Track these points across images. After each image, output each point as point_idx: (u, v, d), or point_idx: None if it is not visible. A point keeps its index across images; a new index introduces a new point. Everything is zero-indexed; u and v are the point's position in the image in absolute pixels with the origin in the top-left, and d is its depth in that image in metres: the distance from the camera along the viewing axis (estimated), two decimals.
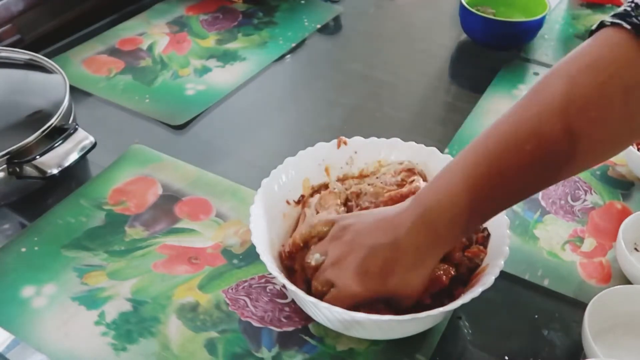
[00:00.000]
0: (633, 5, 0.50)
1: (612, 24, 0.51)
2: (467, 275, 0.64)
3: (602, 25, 0.52)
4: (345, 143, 0.74)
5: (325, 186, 0.73)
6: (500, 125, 0.55)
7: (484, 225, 0.66)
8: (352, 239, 0.61)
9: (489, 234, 0.66)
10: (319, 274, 0.62)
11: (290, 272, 0.66)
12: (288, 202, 0.71)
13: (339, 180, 0.74)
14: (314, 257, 0.63)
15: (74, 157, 0.76)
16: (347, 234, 0.61)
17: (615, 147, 0.55)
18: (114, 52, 1.06)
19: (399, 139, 0.75)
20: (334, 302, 0.58)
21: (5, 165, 0.74)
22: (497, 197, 0.56)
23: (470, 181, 0.55)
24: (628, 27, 0.49)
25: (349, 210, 0.69)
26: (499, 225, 0.65)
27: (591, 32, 0.53)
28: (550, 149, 0.52)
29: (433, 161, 0.72)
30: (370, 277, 0.59)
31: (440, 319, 0.64)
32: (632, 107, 0.50)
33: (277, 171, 0.71)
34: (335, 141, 0.74)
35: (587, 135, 0.51)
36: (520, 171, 0.54)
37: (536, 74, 1.04)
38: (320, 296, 0.61)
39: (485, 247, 0.65)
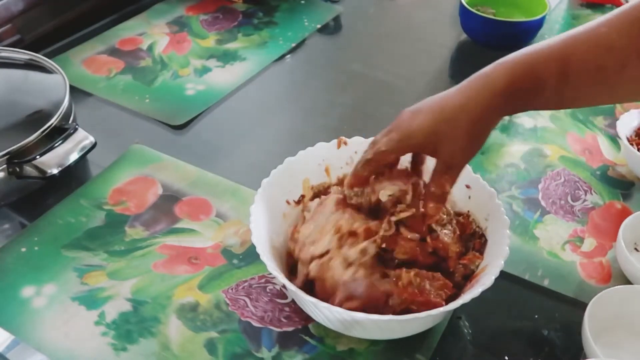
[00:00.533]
0: None
1: None
2: (462, 282, 0.63)
3: None
4: (345, 143, 0.74)
5: (325, 188, 0.73)
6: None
7: (482, 232, 0.66)
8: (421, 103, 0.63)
9: (486, 241, 0.66)
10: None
11: (290, 271, 0.66)
12: (288, 202, 0.71)
13: (339, 180, 0.74)
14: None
15: (74, 157, 0.76)
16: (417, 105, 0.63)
17: None
18: (114, 52, 1.06)
19: None
20: (375, 139, 0.61)
21: (5, 165, 0.74)
22: (555, 83, 0.58)
23: (535, 55, 0.59)
24: None
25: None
26: (499, 225, 0.65)
27: None
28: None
29: (432, 160, 0.72)
30: (420, 110, 0.60)
31: (440, 319, 0.64)
32: None
33: (277, 171, 0.71)
34: (335, 141, 0.74)
35: None
36: (585, 62, 0.56)
37: None
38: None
39: (482, 253, 0.65)
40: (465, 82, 0.60)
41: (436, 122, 0.59)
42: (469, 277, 0.63)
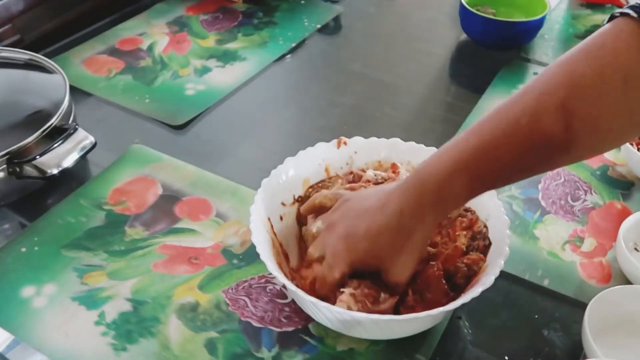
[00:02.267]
0: None
1: (621, 14, 0.51)
2: (464, 283, 0.63)
3: (612, 17, 0.52)
4: (345, 143, 0.74)
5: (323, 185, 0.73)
6: (499, 106, 0.56)
7: (488, 234, 0.66)
8: (347, 208, 0.62)
9: (490, 243, 0.65)
10: (315, 240, 0.64)
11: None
12: (284, 204, 0.71)
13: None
14: (315, 225, 0.64)
15: (74, 157, 0.76)
16: (345, 204, 0.63)
17: (611, 136, 0.54)
18: (114, 52, 1.06)
19: (399, 139, 0.75)
20: (322, 273, 0.60)
21: (5, 165, 0.74)
22: (487, 171, 0.56)
23: (460, 152, 0.55)
24: (635, 15, 0.49)
25: None
26: (499, 225, 0.65)
27: (609, 19, 0.53)
28: (544, 125, 0.52)
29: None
30: (356, 239, 0.59)
31: (440, 319, 0.64)
32: (631, 95, 0.50)
33: (277, 171, 0.71)
34: (335, 141, 0.74)
35: (582, 116, 0.51)
36: (512, 146, 0.54)
37: (536, 74, 1.04)
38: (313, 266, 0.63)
39: (485, 255, 0.64)
40: (393, 201, 0.58)
41: (377, 249, 0.59)
42: (470, 278, 0.63)
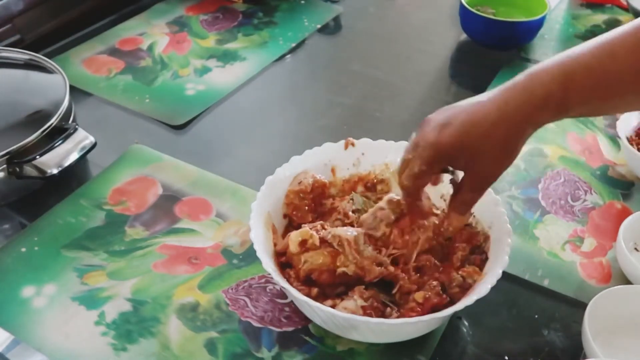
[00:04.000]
0: None
1: None
2: (459, 294, 0.62)
3: None
4: (353, 144, 0.74)
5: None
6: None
7: (486, 249, 0.66)
8: (447, 107, 0.60)
9: (487, 258, 0.65)
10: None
11: (282, 265, 0.66)
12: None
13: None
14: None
15: (74, 157, 0.76)
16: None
17: None
18: (114, 52, 1.06)
19: (406, 142, 0.74)
20: (409, 157, 0.59)
21: (5, 165, 0.74)
22: (606, 83, 0.55)
23: (581, 58, 0.54)
24: None
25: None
26: (500, 233, 0.64)
27: None
28: None
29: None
30: (452, 126, 0.56)
31: (435, 325, 0.63)
32: None
33: (282, 169, 0.71)
34: (342, 142, 0.74)
35: None
36: (631, 56, 0.53)
37: None
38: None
39: (481, 269, 0.64)
40: (498, 94, 0.56)
41: (469, 137, 0.56)
42: (466, 290, 0.63)
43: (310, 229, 0.63)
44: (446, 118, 0.57)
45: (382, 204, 0.65)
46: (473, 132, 0.56)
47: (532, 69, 0.56)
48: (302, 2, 1.21)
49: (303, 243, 0.63)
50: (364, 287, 0.62)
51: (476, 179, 0.59)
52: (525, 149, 0.87)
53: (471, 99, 0.58)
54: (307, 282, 0.63)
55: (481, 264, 0.65)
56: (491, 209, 0.67)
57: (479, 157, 0.56)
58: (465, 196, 0.60)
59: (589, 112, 0.59)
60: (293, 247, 0.63)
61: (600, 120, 0.94)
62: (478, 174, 0.58)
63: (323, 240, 0.63)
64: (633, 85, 0.55)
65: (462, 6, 1.07)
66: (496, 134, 0.55)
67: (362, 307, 0.60)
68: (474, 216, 0.68)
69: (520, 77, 0.56)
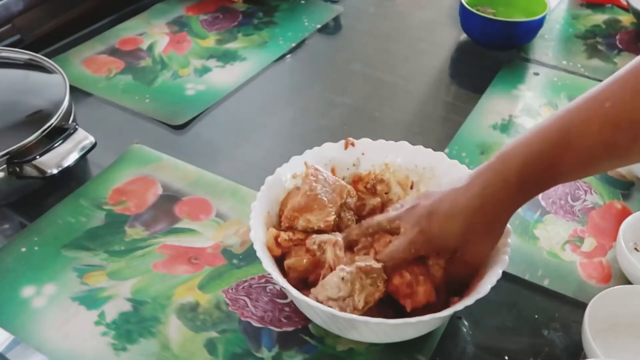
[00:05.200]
0: None
1: None
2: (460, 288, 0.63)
3: None
4: (352, 144, 0.74)
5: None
6: (570, 106, 0.57)
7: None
8: (430, 192, 0.63)
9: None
10: (389, 214, 0.64)
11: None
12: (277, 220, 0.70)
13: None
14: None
15: (74, 157, 0.76)
16: (426, 193, 0.63)
17: None
18: (114, 52, 1.06)
19: (406, 142, 0.74)
20: (398, 242, 0.60)
21: (5, 165, 0.74)
22: (572, 154, 0.56)
23: (545, 134, 0.56)
24: None
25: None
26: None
27: None
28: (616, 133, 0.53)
29: (440, 166, 0.72)
30: (438, 216, 0.59)
31: (435, 325, 0.63)
32: None
33: (282, 169, 0.71)
34: (342, 142, 0.74)
35: None
36: (600, 129, 0.54)
37: (536, 74, 1.04)
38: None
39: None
40: (475, 180, 0.59)
41: (458, 227, 0.59)
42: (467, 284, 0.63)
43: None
44: (430, 208, 0.60)
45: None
46: (459, 220, 0.59)
47: (502, 151, 0.58)
48: (302, 2, 1.21)
49: (277, 241, 0.65)
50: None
51: (464, 263, 0.61)
52: None
53: (449, 185, 0.61)
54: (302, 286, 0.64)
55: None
56: None
57: (467, 243, 0.60)
58: (455, 274, 0.62)
59: (570, 179, 0.61)
60: (270, 244, 0.65)
61: None
62: (465, 259, 0.61)
63: (307, 249, 0.64)
64: (602, 154, 0.56)
65: (462, 6, 1.07)
66: (481, 220, 0.59)
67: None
68: None
69: (493, 160, 0.59)
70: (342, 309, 0.58)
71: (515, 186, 0.57)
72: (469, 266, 0.62)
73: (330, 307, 0.58)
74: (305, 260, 0.64)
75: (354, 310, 0.59)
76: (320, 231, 0.66)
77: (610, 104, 0.53)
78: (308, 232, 0.65)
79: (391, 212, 0.65)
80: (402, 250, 0.61)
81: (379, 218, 0.64)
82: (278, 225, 0.69)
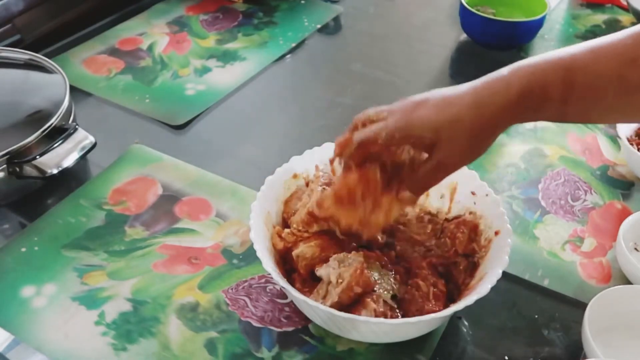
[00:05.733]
0: None
1: None
2: (464, 275, 0.64)
3: None
4: None
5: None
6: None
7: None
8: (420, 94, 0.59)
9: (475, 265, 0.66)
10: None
11: (288, 271, 0.66)
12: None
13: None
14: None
15: (74, 157, 0.76)
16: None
17: None
18: (114, 52, 1.06)
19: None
20: (375, 125, 0.58)
21: (5, 165, 0.74)
22: (583, 84, 0.54)
23: (563, 56, 0.55)
24: None
25: None
26: (501, 234, 0.64)
27: None
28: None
29: None
30: (426, 105, 0.56)
31: (436, 325, 0.63)
32: None
33: (282, 169, 0.71)
34: None
35: None
36: (616, 60, 0.53)
37: None
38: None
39: (477, 267, 0.65)
40: (478, 83, 0.56)
41: (440, 118, 0.55)
42: (474, 268, 0.64)
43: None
44: (421, 99, 0.57)
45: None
46: (445, 112, 0.55)
47: (515, 63, 0.56)
48: (302, 2, 1.21)
49: (280, 236, 0.66)
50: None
51: (437, 163, 0.57)
52: (526, 148, 0.88)
53: (454, 86, 0.58)
54: (311, 280, 0.64)
55: (477, 262, 0.65)
56: (491, 209, 0.67)
57: (446, 141, 0.56)
58: (422, 177, 0.58)
59: (569, 114, 0.57)
60: (274, 240, 0.66)
61: None
62: (442, 158, 0.57)
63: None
64: (613, 89, 0.55)
65: (462, 6, 1.07)
66: (466, 121, 0.55)
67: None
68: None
69: (502, 69, 0.56)
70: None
71: (514, 96, 0.54)
72: (439, 169, 0.58)
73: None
74: (314, 247, 0.64)
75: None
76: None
77: (632, 41, 0.53)
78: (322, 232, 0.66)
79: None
80: (375, 130, 0.57)
81: (369, 110, 0.60)
82: (281, 225, 0.69)
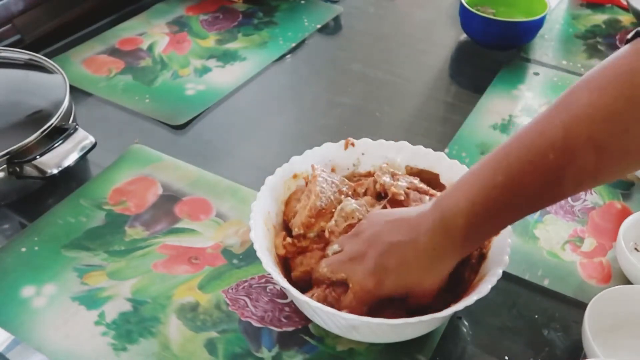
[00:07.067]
0: None
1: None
2: (469, 271, 0.64)
3: (637, 34, 0.50)
4: (352, 144, 0.74)
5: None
6: (524, 134, 0.54)
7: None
8: (371, 236, 0.61)
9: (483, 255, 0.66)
10: (333, 261, 0.62)
11: (288, 271, 0.66)
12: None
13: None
14: (332, 249, 0.63)
15: (74, 157, 0.76)
16: (367, 231, 0.61)
17: (638, 161, 0.53)
18: (114, 52, 1.06)
19: (406, 142, 0.74)
20: (349, 302, 0.59)
21: (5, 165, 0.74)
22: (515, 206, 0.55)
23: (488, 190, 0.54)
24: None
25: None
26: (501, 234, 0.64)
27: (627, 41, 0.51)
28: (574, 159, 0.51)
29: (440, 165, 0.72)
30: (386, 273, 0.59)
31: (436, 325, 0.63)
32: None
33: (282, 169, 0.71)
34: (342, 142, 0.74)
35: (611, 147, 0.50)
36: (540, 181, 0.53)
37: (536, 74, 1.04)
38: (321, 283, 0.62)
39: (479, 266, 0.65)
40: (423, 236, 0.58)
41: (405, 287, 0.59)
42: (483, 258, 0.64)
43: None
44: (377, 262, 0.59)
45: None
46: (407, 281, 0.59)
47: (444, 199, 0.58)
48: (302, 2, 1.21)
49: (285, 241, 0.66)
50: None
51: (414, 303, 0.61)
52: None
53: (395, 224, 0.60)
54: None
55: (478, 260, 0.65)
56: None
57: (414, 294, 0.60)
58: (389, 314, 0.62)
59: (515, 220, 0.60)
60: (277, 243, 0.66)
61: None
62: (415, 302, 0.61)
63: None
64: (525, 206, 0.56)
65: (462, 6, 1.07)
66: (430, 277, 0.59)
67: None
68: None
69: (437, 214, 0.58)
70: None
71: (460, 241, 0.57)
72: (424, 299, 0.61)
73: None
74: (313, 261, 0.64)
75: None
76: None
77: (552, 157, 0.52)
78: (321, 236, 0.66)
79: (331, 256, 0.63)
80: (356, 310, 0.59)
81: (323, 267, 0.62)
82: (280, 225, 0.69)
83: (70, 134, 0.77)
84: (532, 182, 0.53)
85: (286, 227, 0.69)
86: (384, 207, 0.66)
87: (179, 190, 0.80)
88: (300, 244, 0.66)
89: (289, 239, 0.66)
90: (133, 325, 0.65)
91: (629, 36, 0.52)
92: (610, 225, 0.77)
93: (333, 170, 0.73)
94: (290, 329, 0.65)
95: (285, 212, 0.70)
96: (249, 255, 0.72)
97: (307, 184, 0.71)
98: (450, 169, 0.71)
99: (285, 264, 0.66)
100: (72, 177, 0.81)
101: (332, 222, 0.65)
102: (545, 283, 0.70)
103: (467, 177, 0.57)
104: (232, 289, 0.69)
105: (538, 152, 0.52)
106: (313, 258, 0.65)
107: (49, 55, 0.94)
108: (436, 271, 0.59)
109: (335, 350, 0.63)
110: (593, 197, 0.81)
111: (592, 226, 0.77)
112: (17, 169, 0.75)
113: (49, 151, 0.75)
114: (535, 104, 0.97)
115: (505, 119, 0.93)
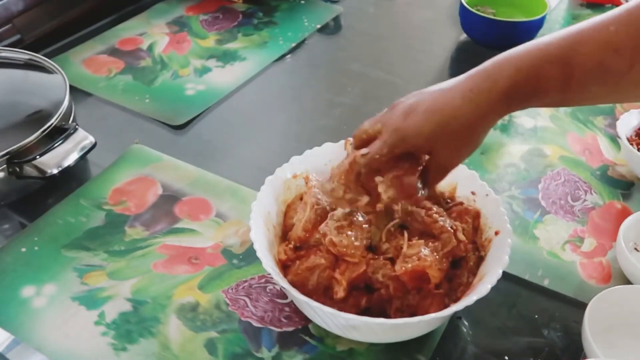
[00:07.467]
0: None
1: None
2: (468, 274, 0.64)
3: None
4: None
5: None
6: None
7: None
8: (412, 94, 0.60)
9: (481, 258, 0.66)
10: (371, 119, 0.61)
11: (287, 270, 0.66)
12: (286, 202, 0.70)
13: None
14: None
15: (74, 157, 0.76)
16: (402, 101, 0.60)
17: None
18: (114, 52, 1.06)
19: None
20: (378, 147, 0.58)
21: (5, 165, 0.74)
22: (571, 72, 0.55)
23: (548, 46, 0.55)
24: None
25: None
26: (501, 234, 0.64)
27: None
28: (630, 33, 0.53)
29: None
30: (417, 113, 0.57)
31: (436, 325, 0.63)
32: None
33: (282, 169, 0.71)
34: (342, 142, 0.74)
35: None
36: (600, 47, 0.54)
37: None
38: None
39: (478, 265, 0.65)
40: (463, 80, 0.57)
41: (433, 126, 0.56)
42: (481, 261, 0.64)
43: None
44: (411, 105, 0.58)
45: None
46: (436, 119, 0.56)
47: (498, 57, 0.57)
48: (302, 2, 1.21)
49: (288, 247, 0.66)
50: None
51: (437, 165, 0.59)
52: (526, 148, 0.88)
53: (440, 84, 0.59)
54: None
55: (477, 264, 0.65)
56: (491, 209, 0.67)
57: (443, 146, 0.57)
58: (427, 177, 0.60)
59: (553, 103, 0.59)
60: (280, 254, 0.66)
61: (600, 120, 0.94)
62: (438, 161, 0.59)
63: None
64: (595, 77, 0.55)
65: (462, 6, 1.07)
66: (458, 121, 0.56)
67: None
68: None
69: (487, 64, 0.57)
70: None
71: (502, 94, 0.55)
72: (438, 170, 0.59)
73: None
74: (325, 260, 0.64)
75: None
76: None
77: (615, 28, 0.53)
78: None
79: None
80: (376, 151, 0.58)
81: (364, 124, 0.61)
82: (279, 225, 0.69)
83: (70, 134, 0.77)
84: (591, 47, 0.54)
85: (286, 234, 0.69)
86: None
87: (179, 190, 0.80)
88: (299, 253, 0.66)
89: (290, 246, 0.66)
90: (133, 325, 0.65)
91: None
92: (610, 225, 0.77)
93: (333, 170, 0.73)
94: (290, 329, 0.65)
95: (284, 221, 0.70)
96: (249, 255, 0.72)
97: (306, 183, 0.71)
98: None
99: (285, 265, 0.66)
100: (72, 177, 0.81)
101: (324, 225, 0.65)
102: (545, 283, 0.70)
103: (527, 43, 0.57)
104: (232, 289, 0.69)
105: (599, 23, 0.56)
106: (310, 262, 0.64)
107: (49, 55, 0.94)
108: (467, 122, 0.56)
109: (335, 350, 0.63)
110: (593, 197, 0.81)
111: (592, 226, 0.77)
112: (17, 169, 0.75)
113: (49, 151, 0.75)
114: None
115: (505, 119, 0.93)
